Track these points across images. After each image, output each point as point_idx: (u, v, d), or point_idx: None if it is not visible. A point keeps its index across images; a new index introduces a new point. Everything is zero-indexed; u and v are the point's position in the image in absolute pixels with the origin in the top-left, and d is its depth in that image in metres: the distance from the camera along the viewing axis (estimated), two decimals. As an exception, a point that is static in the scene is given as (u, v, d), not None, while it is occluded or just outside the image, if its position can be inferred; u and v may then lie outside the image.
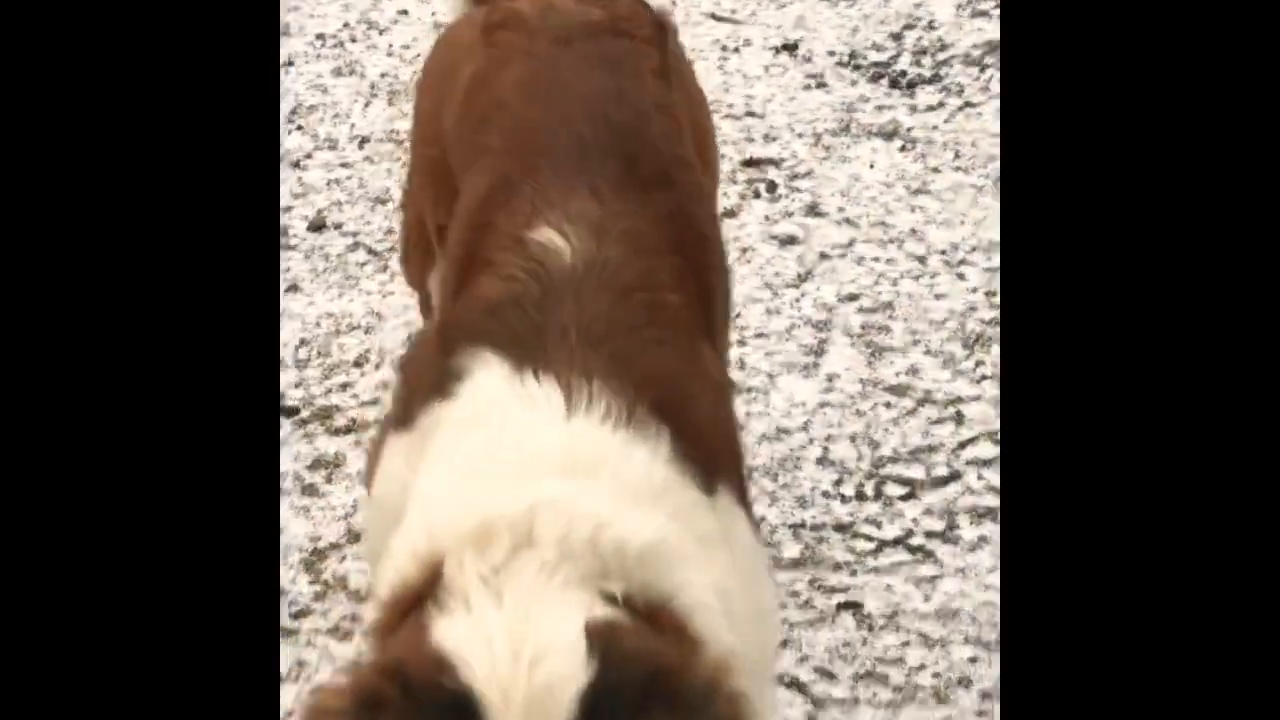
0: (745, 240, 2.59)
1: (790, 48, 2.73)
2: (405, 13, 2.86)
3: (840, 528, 2.20)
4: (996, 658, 2.04)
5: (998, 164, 2.68)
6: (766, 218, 2.40)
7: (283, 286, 2.31)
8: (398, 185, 2.42)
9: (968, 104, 2.85)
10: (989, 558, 2.16)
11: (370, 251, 2.33)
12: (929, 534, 2.24)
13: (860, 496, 2.27)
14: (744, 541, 1.77)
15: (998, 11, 2.94)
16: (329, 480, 2.02)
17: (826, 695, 2.01)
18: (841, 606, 2.13)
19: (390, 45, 2.79)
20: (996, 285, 2.51)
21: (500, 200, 1.84)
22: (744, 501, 1.82)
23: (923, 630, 2.12)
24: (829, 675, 2.05)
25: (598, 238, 1.79)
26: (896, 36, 2.83)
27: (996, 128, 2.66)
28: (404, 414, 1.76)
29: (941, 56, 2.82)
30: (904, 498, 2.27)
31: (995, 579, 2.12)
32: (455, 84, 1.98)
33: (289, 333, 2.27)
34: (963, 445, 2.35)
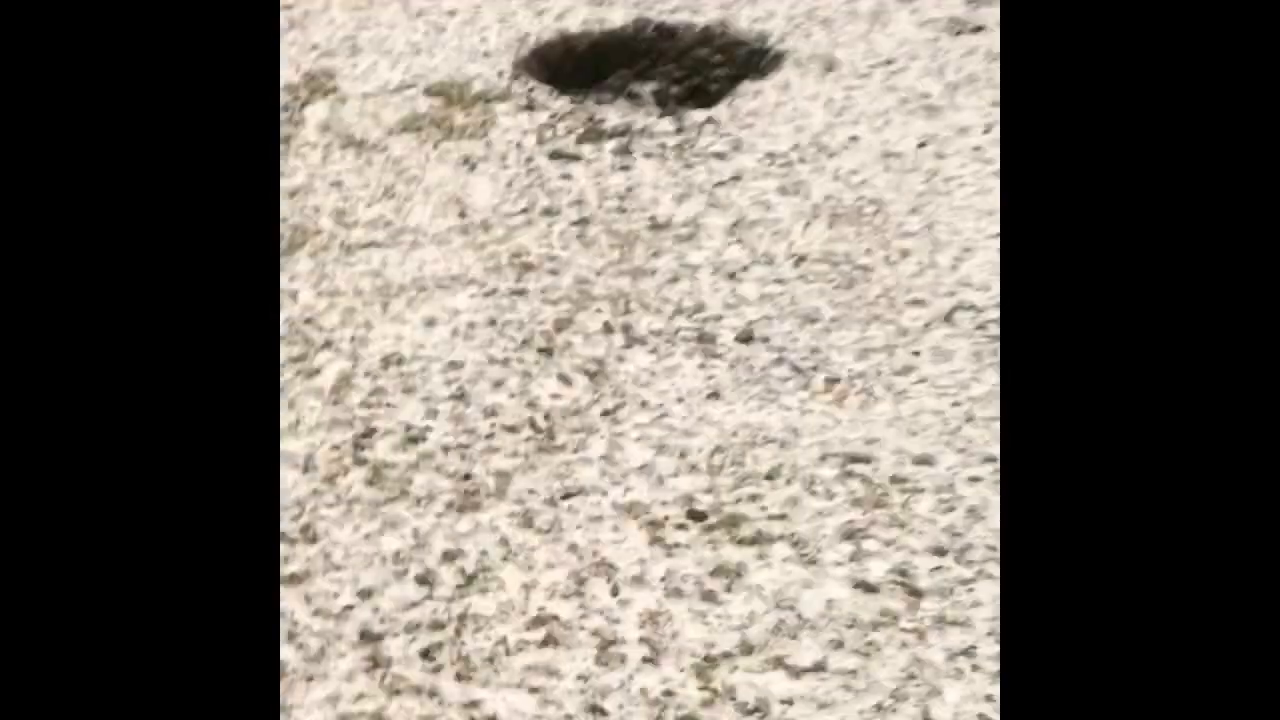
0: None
1: None
2: (856, 139, 2.87)
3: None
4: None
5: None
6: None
7: (705, 393, 2.34)
8: (829, 305, 2.41)
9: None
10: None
11: (794, 368, 2.31)
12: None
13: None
14: None
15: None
16: (729, 589, 2.02)
17: None
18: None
19: (838, 169, 2.81)
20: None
21: None
22: None
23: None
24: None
25: None
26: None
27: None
28: None
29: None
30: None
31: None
32: None
33: (704, 440, 2.26)
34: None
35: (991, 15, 3.21)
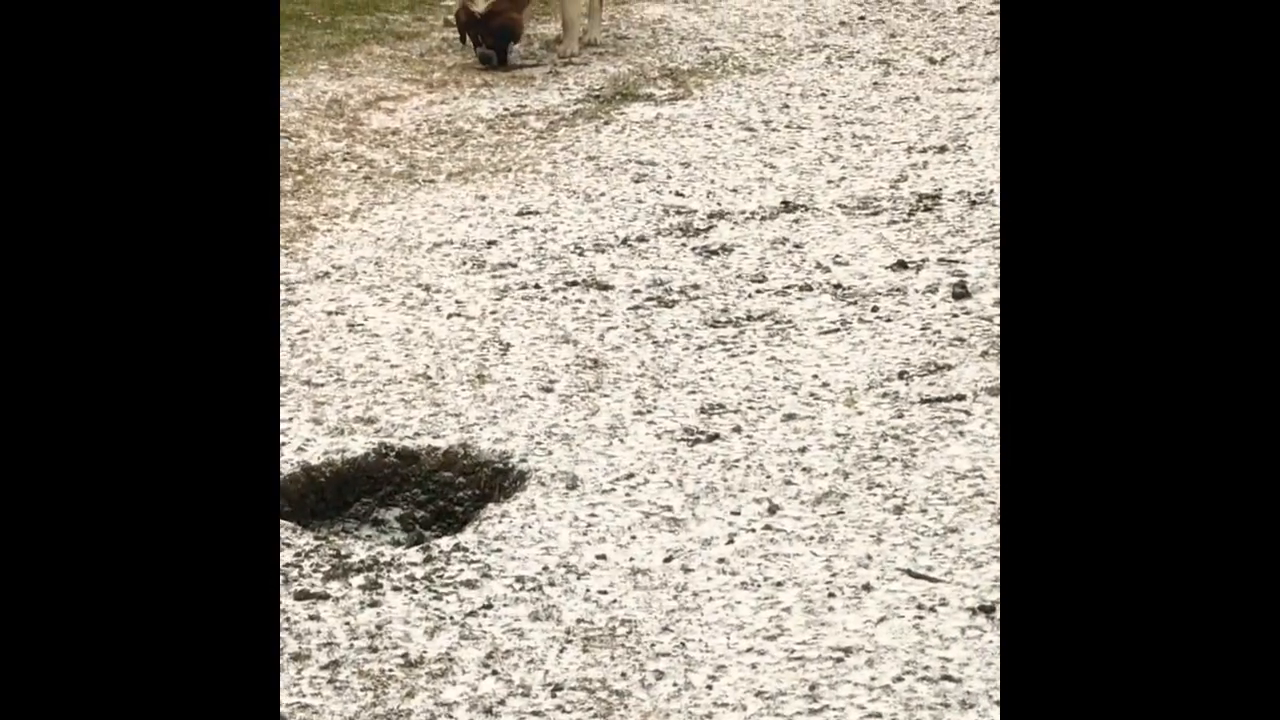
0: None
1: (987, 610, 2.74)
2: (603, 557, 2.88)
3: None
4: None
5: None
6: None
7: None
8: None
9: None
10: None
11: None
12: None
13: None
14: None
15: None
16: None
17: None
18: None
19: (588, 590, 2.79)
20: None
21: None
22: None
23: None
24: None
25: None
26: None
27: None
28: None
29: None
30: None
31: None
32: None
33: None
34: None
35: (727, 423, 3.31)
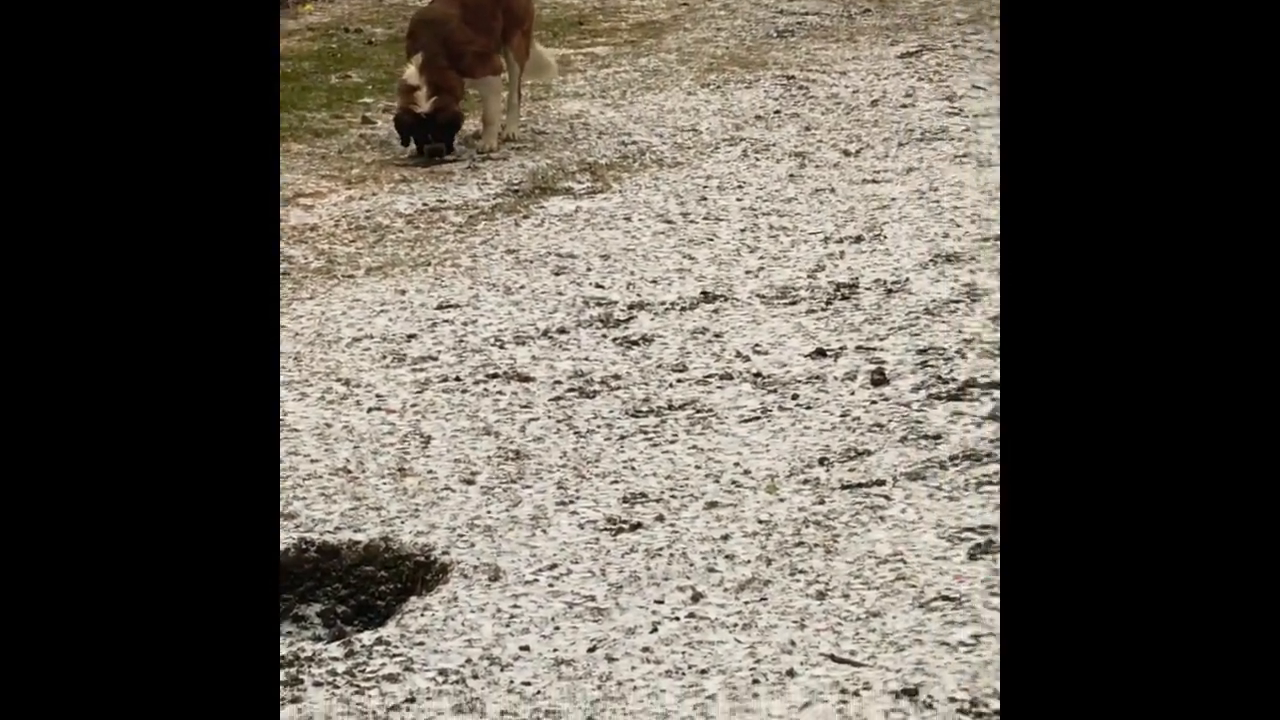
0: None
1: (910, 693, 2.75)
2: (527, 649, 2.86)
3: None
4: None
5: None
6: None
7: None
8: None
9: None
10: None
11: None
12: None
13: None
14: None
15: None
16: None
17: None
18: None
19: (511, 681, 2.76)
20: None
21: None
22: None
23: None
24: None
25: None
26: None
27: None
28: None
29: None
30: None
31: None
32: None
33: None
34: None
35: (650, 512, 3.31)
